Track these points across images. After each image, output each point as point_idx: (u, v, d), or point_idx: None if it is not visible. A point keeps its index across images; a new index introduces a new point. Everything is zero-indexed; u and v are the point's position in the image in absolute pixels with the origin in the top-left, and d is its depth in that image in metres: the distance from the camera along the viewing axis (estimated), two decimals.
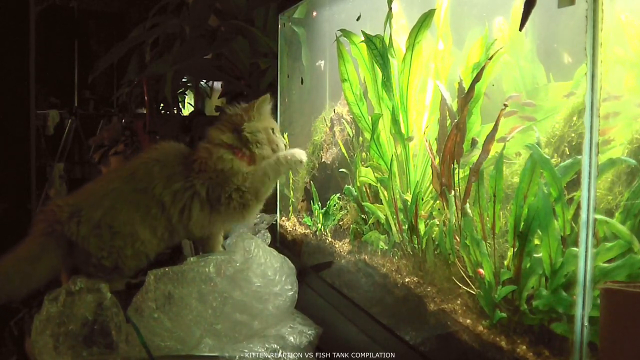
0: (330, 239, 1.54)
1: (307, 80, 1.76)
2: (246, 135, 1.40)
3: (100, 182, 1.39)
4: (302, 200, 1.76)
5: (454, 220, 1.02)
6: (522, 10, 0.83)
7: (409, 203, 1.17)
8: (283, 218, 1.84)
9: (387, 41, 1.23)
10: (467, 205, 0.99)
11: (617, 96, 0.81)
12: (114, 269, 1.32)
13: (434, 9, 1.10)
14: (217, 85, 3.63)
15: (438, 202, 1.10)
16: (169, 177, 1.35)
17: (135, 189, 1.34)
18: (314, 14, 1.72)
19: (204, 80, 3.68)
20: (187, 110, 4.32)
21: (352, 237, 1.42)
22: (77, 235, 1.28)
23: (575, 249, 0.77)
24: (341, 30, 1.36)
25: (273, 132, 1.45)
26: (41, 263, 1.28)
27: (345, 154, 1.50)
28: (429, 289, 1.10)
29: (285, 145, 1.51)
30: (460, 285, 1.00)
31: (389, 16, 1.21)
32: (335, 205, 1.54)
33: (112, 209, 1.31)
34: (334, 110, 1.60)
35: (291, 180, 1.81)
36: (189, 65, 2.50)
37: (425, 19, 1.11)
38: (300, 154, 1.45)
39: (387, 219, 1.27)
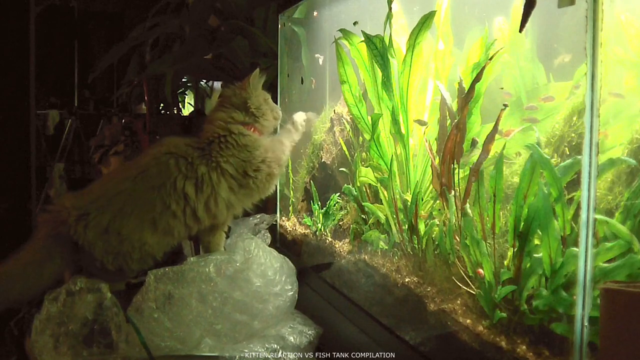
0: (330, 239, 1.54)
1: (307, 80, 1.76)
2: (253, 111, 1.43)
3: (109, 183, 1.36)
4: (302, 200, 1.76)
5: (454, 220, 1.02)
6: (522, 10, 0.83)
7: (409, 203, 1.18)
8: (283, 218, 1.84)
9: (387, 41, 1.23)
10: (467, 205, 0.99)
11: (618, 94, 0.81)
12: (117, 272, 1.31)
13: (435, 11, 1.10)
14: (217, 85, 3.63)
15: (438, 202, 1.10)
16: (188, 165, 1.33)
17: (150, 186, 1.30)
18: (315, 13, 1.72)
19: (204, 80, 3.69)
20: (187, 110, 4.33)
21: (352, 237, 1.42)
22: (83, 238, 1.26)
23: (575, 249, 0.77)
24: (341, 30, 1.36)
25: (269, 102, 1.51)
26: (47, 266, 1.26)
27: (347, 153, 1.50)
28: (429, 289, 1.10)
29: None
30: (460, 285, 1.00)
31: (389, 16, 1.22)
32: (335, 205, 1.54)
33: (121, 213, 1.28)
34: (334, 110, 1.60)
35: (291, 180, 1.81)
36: (189, 65, 2.50)
37: (425, 21, 1.11)
38: (302, 115, 1.56)
39: (387, 219, 1.27)
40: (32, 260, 1.26)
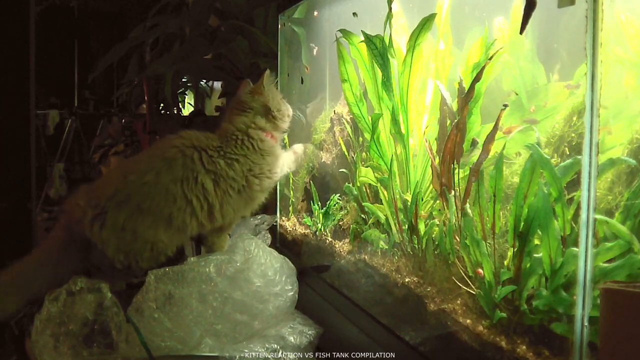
0: (330, 239, 1.54)
1: (306, 80, 1.76)
2: (275, 114, 1.44)
3: (129, 176, 1.31)
4: (302, 200, 1.76)
5: (454, 220, 1.02)
6: (522, 12, 0.83)
7: (409, 203, 1.18)
8: (283, 218, 1.84)
9: (387, 41, 1.23)
10: (467, 205, 0.99)
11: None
12: (124, 270, 1.30)
13: (435, 14, 1.10)
14: (217, 85, 3.63)
15: (438, 202, 1.10)
16: (209, 159, 1.33)
17: (173, 179, 1.29)
18: (315, 13, 1.72)
19: (204, 80, 3.68)
20: (187, 110, 4.33)
21: (352, 237, 1.42)
22: (98, 237, 1.25)
23: (575, 249, 0.77)
24: (341, 30, 1.36)
25: (283, 100, 1.51)
26: (64, 265, 1.27)
27: (347, 154, 1.50)
28: (429, 289, 1.10)
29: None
30: (460, 285, 1.00)
31: (389, 16, 1.22)
32: (335, 205, 1.54)
33: (138, 209, 1.26)
34: (334, 110, 1.60)
35: (291, 180, 1.81)
36: (189, 65, 2.50)
37: (425, 23, 1.11)
38: (300, 147, 1.59)
39: (387, 219, 1.27)
40: (49, 259, 1.27)
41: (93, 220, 1.26)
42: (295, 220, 1.79)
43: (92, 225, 1.26)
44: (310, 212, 1.67)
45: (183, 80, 3.71)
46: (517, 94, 0.99)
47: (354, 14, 1.36)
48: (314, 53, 1.70)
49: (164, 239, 1.30)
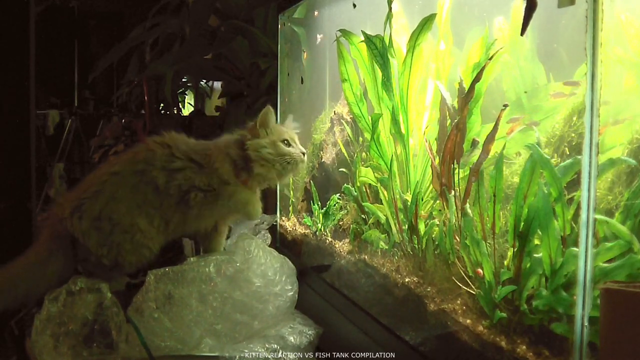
0: (330, 239, 1.54)
1: (307, 80, 1.76)
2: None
3: (100, 170, 1.37)
4: (302, 200, 1.76)
5: (454, 220, 1.02)
6: (522, 13, 0.83)
7: (409, 203, 1.18)
8: (283, 218, 1.84)
9: (387, 41, 1.23)
10: (467, 205, 0.99)
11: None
12: (114, 267, 1.31)
13: (435, 14, 1.10)
14: (217, 85, 3.63)
15: (438, 202, 1.10)
16: (170, 156, 1.33)
17: (134, 171, 1.32)
18: (316, 13, 1.72)
19: (204, 80, 3.68)
20: (187, 110, 4.33)
21: (352, 237, 1.42)
22: (79, 230, 1.26)
23: (575, 249, 0.77)
24: (341, 30, 1.36)
25: (287, 144, 1.40)
26: (51, 266, 1.27)
27: (346, 154, 1.50)
28: (429, 289, 1.10)
29: (304, 153, 1.43)
30: (460, 285, 1.00)
31: (389, 16, 1.22)
32: (335, 205, 1.54)
33: (112, 198, 1.29)
34: (334, 111, 1.60)
35: (291, 180, 1.81)
36: (189, 65, 2.50)
37: (425, 23, 1.11)
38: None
39: (387, 219, 1.27)
40: (35, 261, 1.28)
41: (72, 213, 1.28)
42: (295, 220, 1.79)
43: (72, 218, 1.27)
44: (310, 212, 1.67)
45: (183, 80, 3.71)
46: (526, 92, 0.98)
47: (354, 5, 1.36)
48: (318, 42, 1.68)
49: (142, 228, 1.30)
